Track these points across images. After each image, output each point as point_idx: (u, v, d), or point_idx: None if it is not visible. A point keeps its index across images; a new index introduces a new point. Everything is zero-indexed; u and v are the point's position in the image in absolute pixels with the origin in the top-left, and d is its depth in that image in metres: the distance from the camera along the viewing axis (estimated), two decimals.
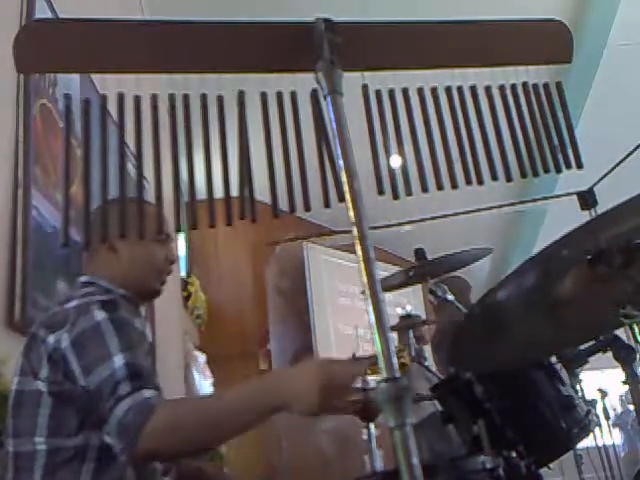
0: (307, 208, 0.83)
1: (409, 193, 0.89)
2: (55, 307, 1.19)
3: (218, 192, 0.80)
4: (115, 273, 1.28)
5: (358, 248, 0.74)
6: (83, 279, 1.28)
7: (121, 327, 1.09)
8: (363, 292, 0.72)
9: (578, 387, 2.27)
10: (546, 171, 0.95)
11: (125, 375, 1.02)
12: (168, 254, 1.36)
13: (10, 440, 1.10)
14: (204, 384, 4.23)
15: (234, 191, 0.82)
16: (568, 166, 0.96)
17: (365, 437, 2.06)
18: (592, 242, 1.08)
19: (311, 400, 0.96)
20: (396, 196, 0.88)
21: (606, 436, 2.93)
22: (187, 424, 1.00)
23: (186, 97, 0.84)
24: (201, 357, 4.42)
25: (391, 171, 0.87)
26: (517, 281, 1.18)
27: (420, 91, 0.93)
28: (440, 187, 0.89)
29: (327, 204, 0.83)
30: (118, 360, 1.03)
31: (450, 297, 2.22)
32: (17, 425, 1.10)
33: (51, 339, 1.09)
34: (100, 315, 1.09)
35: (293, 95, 0.88)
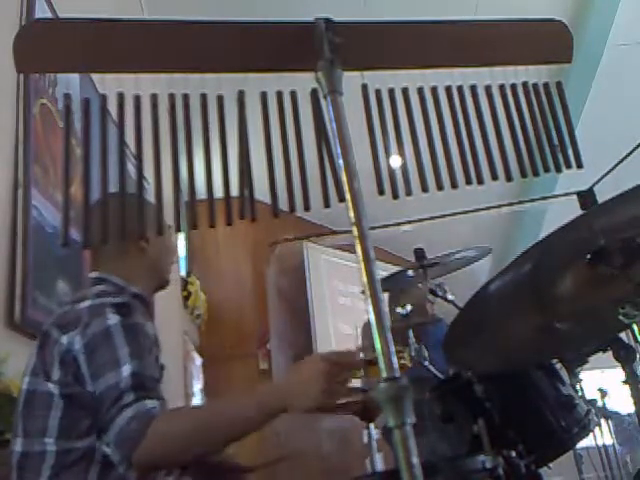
0: (307, 208, 0.83)
1: (409, 193, 0.89)
2: (67, 306, 1.18)
3: (218, 192, 0.80)
4: (135, 269, 1.29)
5: (358, 248, 0.74)
6: (94, 275, 1.28)
7: (132, 333, 1.10)
8: (363, 292, 0.72)
9: (578, 387, 2.27)
10: (546, 171, 0.95)
11: (130, 385, 1.02)
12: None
13: (19, 440, 1.09)
14: (197, 386, 4.25)
15: (234, 191, 0.82)
16: (568, 166, 0.96)
17: (365, 437, 2.06)
18: (588, 234, 1.07)
19: (313, 389, 0.99)
20: (396, 196, 0.88)
21: (606, 436, 2.93)
22: (181, 434, 1.02)
23: (186, 97, 0.84)
24: (198, 359, 4.42)
25: (391, 171, 0.87)
26: (514, 276, 1.17)
27: (420, 91, 0.93)
28: (440, 187, 0.89)
29: (327, 204, 0.83)
30: (126, 369, 1.04)
31: (451, 297, 2.22)
32: (27, 425, 1.09)
33: (64, 340, 1.09)
34: (113, 319, 1.09)
35: (293, 95, 0.88)
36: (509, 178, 0.93)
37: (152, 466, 1.04)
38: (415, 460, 0.64)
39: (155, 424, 0.99)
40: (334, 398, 1.02)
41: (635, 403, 1.28)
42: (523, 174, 0.94)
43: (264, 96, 0.88)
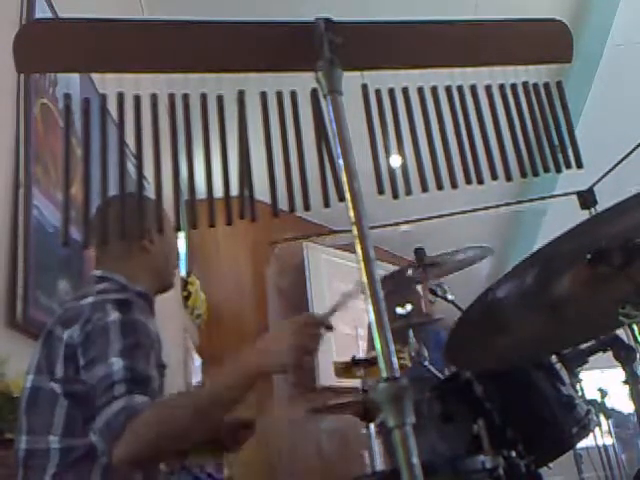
0: (307, 208, 0.84)
1: (409, 193, 0.89)
2: (70, 303, 1.18)
3: (218, 192, 0.80)
4: (138, 269, 1.29)
5: (358, 248, 0.74)
6: (97, 273, 1.28)
7: (130, 330, 1.10)
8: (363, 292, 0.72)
9: (578, 387, 2.27)
10: (546, 171, 0.95)
11: (122, 377, 1.02)
12: None
13: (23, 437, 1.09)
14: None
15: (234, 191, 0.82)
16: (568, 166, 0.96)
17: (365, 437, 2.06)
18: (592, 240, 1.08)
19: (283, 345, 1.06)
20: (396, 196, 0.88)
21: (606, 436, 2.93)
22: (157, 432, 1.00)
23: (186, 97, 0.84)
24: (197, 360, 4.42)
25: (391, 171, 0.88)
26: (516, 279, 1.18)
27: (420, 91, 0.93)
28: (440, 187, 0.90)
29: (327, 204, 0.84)
30: (117, 362, 1.04)
31: (451, 297, 2.22)
32: (32, 423, 1.09)
33: (65, 335, 1.10)
34: (113, 315, 1.10)
35: (293, 95, 0.88)
36: (509, 178, 0.93)
37: (132, 462, 1.01)
38: (415, 460, 0.64)
39: (135, 421, 0.97)
40: (303, 353, 1.08)
41: (635, 403, 1.28)
42: (523, 174, 0.94)
43: (264, 96, 0.88)
